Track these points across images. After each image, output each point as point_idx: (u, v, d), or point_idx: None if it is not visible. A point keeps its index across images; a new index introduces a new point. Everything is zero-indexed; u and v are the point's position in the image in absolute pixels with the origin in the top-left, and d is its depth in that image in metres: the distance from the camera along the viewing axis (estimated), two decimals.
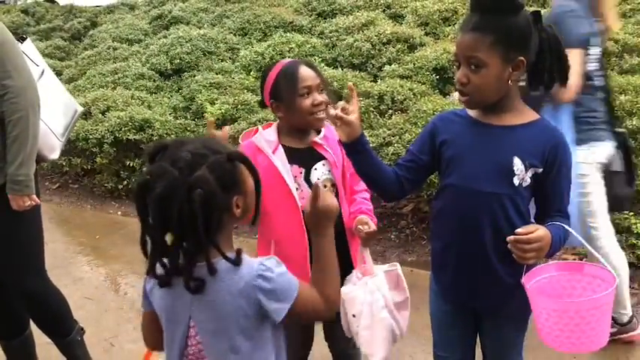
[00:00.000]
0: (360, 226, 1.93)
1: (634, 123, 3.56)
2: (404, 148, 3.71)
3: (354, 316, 1.90)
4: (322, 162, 2.00)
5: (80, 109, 2.70)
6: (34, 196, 2.23)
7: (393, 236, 4.07)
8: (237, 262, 1.26)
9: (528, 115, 1.60)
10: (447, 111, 1.88)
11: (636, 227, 3.32)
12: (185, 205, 1.17)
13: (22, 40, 2.42)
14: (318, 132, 2.04)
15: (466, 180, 1.59)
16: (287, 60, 2.03)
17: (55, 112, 2.46)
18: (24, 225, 2.30)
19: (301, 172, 1.98)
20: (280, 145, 1.97)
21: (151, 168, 1.25)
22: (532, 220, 1.63)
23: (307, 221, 1.40)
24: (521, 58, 1.51)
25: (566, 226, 1.55)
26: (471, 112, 1.65)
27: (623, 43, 4.99)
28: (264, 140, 1.97)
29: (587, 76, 2.47)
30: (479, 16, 1.51)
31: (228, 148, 1.32)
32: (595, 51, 2.52)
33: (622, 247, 3.31)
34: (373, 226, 1.92)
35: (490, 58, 1.49)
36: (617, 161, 2.62)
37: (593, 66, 2.52)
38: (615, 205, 2.73)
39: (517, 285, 1.54)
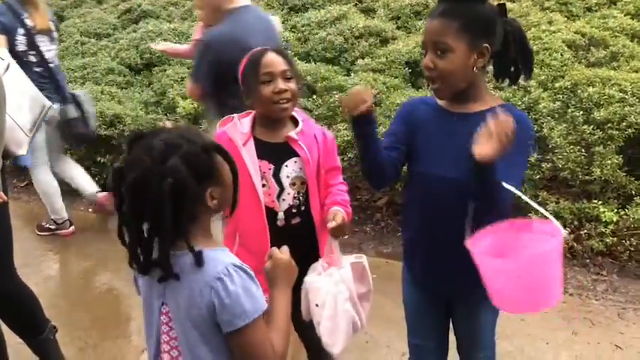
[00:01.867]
0: (329, 224, 1.90)
1: (601, 114, 3.63)
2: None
3: (317, 305, 1.89)
4: (294, 159, 1.95)
5: (49, 103, 2.65)
6: (1, 194, 2.18)
7: (368, 229, 4.09)
8: (198, 261, 1.23)
9: (493, 102, 1.62)
10: (415, 98, 1.89)
11: (604, 216, 3.39)
12: (155, 194, 1.17)
13: None
14: (296, 124, 2.00)
15: (432, 167, 1.62)
16: (260, 47, 1.99)
17: (21, 107, 2.42)
18: None
19: (270, 169, 1.94)
20: (252, 138, 1.93)
21: (126, 156, 1.25)
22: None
23: (266, 275, 1.40)
24: (486, 45, 1.54)
25: (505, 184, 1.49)
26: (439, 101, 1.67)
27: (590, 37, 5.08)
28: (238, 131, 1.93)
29: (20, 56, 3.46)
30: (446, 3, 1.55)
31: (205, 138, 1.29)
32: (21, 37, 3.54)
33: (590, 236, 3.41)
34: (338, 221, 1.87)
35: (456, 43, 1.51)
36: (71, 111, 3.84)
37: (22, 47, 3.55)
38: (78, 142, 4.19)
39: None
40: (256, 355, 1.24)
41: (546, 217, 1.47)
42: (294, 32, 6.32)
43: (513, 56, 1.59)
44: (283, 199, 1.96)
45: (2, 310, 2.42)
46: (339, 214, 1.89)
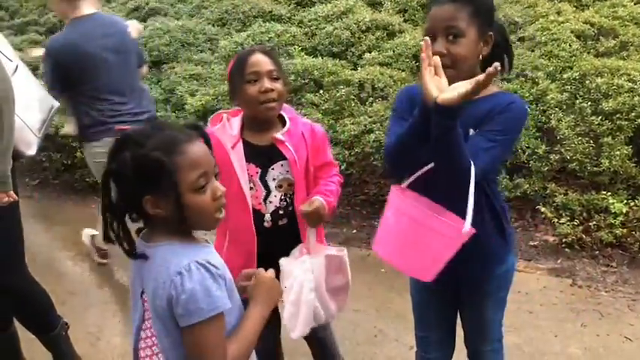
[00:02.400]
0: (301, 207, 1.91)
1: (610, 105, 3.60)
2: (385, 135, 3.73)
3: (285, 287, 1.90)
4: (281, 162, 1.95)
5: (57, 104, 2.67)
6: (12, 193, 2.21)
7: (376, 223, 4.07)
8: (129, 252, 1.32)
9: (487, 89, 1.60)
10: (411, 85, 1.87)
11: (613, 207, 3.37)
12: (103, 175, 1.28)
13: None
14: (283, 124, 1.98)
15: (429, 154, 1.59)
16: (248, 48, 2.01)
17: (30, 108, 2.44)
18: (2, 222, 2.27)
19: (257, 172, 1.94)
20: (241, 141, 1.92)
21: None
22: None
23: (248, 292, 1.43)
24: (491, 33, 1.56)
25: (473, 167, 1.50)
26: None
27: (599, 26, 5.03)
28: (227, 133, 1.92)
29: None
30: None
31: (171, 153, 1.25)
32: None
33: (600, 227, 3.39)
34: (312, 207, 1.88)
35: (469, 28, 1.51)
36: None
37: None
38: None
39: (494, 257, 1.56)
40: (204, 356, 1.26)
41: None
42: (300, 27, 6.30)
43: (499, 52, 1.61)
44: (270, 202, 1.97)
45: (15, 307, 2.46)
46: (315, 201, 1.90)
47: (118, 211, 1.30)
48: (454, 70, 1.52)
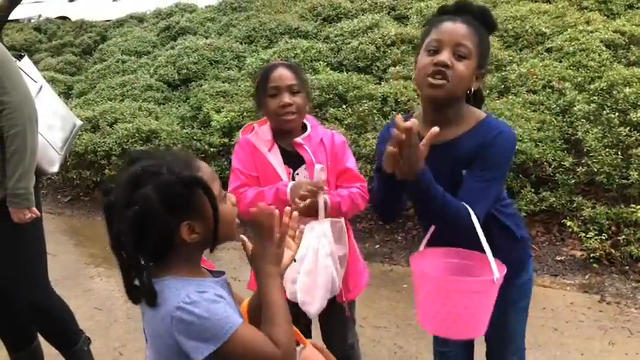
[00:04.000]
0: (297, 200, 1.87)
1: (638, 115, 3.51)
2: None
3: (294, 260, 1.88)
4: (304, 166, 2.01)
5: (79, 122, 2.74)
6: (34, 209, 2.28)
7: (399, 237, 4.05)
8: (150, 301, 1.18)
9: (472, 119, 1.60)
10: (389, 124, 1.87)
11: None
12: (120, 221, 1.15)
13: (19, 57, 2.47)
14: (305, 130, 2.04)
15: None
16: (273, 62, 2.08)
17: (53, 127, 2.51)
18: (25, 237, 2.34)
19: (290, 172, 2.01)
20: (275, 144, 2.00)
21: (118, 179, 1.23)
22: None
23: (251, 259, 1.32)
24: (483, 71, 1.58)
25: (470, 209, 1.48)
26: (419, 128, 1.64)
27: (630, 35, 4.92)
28: (260, 139, 2.01)
29: None
30: (467, 15, 1.55)
31: (192, 170, 1.21)
32: None
33: (629, 241, 3.29)
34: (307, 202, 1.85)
35: (472, 54, 1.52)
36: None
37: None
38: None
39: (512, 265, 1.55)
40: (254, 355, 1.19)
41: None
42: (327, 43, 6.36)
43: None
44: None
45: (38, 322, 2.52)
46: (321, 197, 1.88)
47: (142, 257, 1.20)
48: (450, 85, 1.51)
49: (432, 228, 1.61)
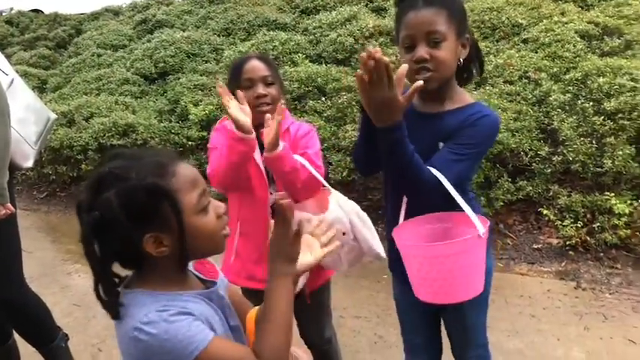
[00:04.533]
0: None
1: (612, 104, 3.56)
2: None
3: (344, 234, 1.86)
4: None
5: (53, 116, 2.69)
6: (9, 205, 2.23)
7: (380, 229, 4.05)
8: (113, 314, 1.09)
9: (462, 100, 1.60)
10: None
11: (617, 208, 3.32)
12: (82, 226, 1.06)
13: None
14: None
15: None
16: (245, 55, 2.05)
17: (26, 121, 2.46)
18: (0, 235, 2.30)
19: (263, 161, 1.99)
20: (254, 132, 1.94)
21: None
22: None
23: (270, 252, 1.20)
24: (467, 36, 1.55)
25: (435, 171, 1.47)
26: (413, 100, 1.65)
27: (604, 26, 4.98)
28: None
29: None
30: None
31: (163, 176, 1.09)
32: None
33: (604, 228, 3.35)
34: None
35: (448, 32, 1.49)
36: None
37: None
38: None
39: None
40: None
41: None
42: (305, 35, 6.34)
43: (470, 56, 1.61)
44: (271, 193, 2.01)
45: (13, 320, 2.48)
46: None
47: (107, 265, 1.10)
48: (437, 73, 1.50)
49: (405, 199, 1.59)
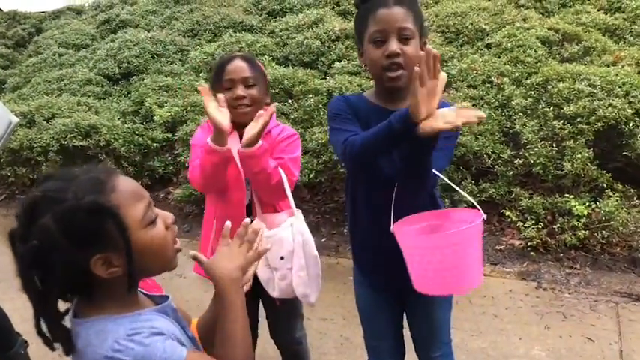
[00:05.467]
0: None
1: (571, 109, 3.66)
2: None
3: (282, 258, 1.91)
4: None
5: (15, 120, 2.63)
6: None
7: (345, 231, 4.09)
8: (67, 348, 1.03)
9: None
10: (346, 95, 1.90)
11: (576, 209, 3.41)
12: (19, 257, 0.99)
13: None
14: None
15: (390, 164, 1.57)
16: (230, 55, 2.05)
17: None
18: None
19: None
20: (235, 131, 1.97)
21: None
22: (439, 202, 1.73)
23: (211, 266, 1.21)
24: (425, 40, 1.61)
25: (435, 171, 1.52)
26: (371, 98, 1.67)
27: (563, 32, 5.12)
28: None
29: None
30: None
31: (101, 193, 1.02)
32: None
33: (563, 230, 3.43)
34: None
35: (414, 32, 1.55)
36: None
37: None
38: None
39: None
40: None
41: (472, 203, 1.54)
42: (272, 37, 6.33)
43: None
44: (248, 190, 2.02)
45: None
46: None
47: (50, 298, 1.02)
48: (406, 72, 1.54)
49: (393, 201, 1.59)
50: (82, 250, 0.99)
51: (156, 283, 1.28)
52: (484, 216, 1.44)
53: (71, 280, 1.02)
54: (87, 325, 1.04)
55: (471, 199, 1.54)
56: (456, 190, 1.68)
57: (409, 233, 1.55)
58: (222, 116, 1.78)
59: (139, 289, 1.17)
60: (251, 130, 1.80)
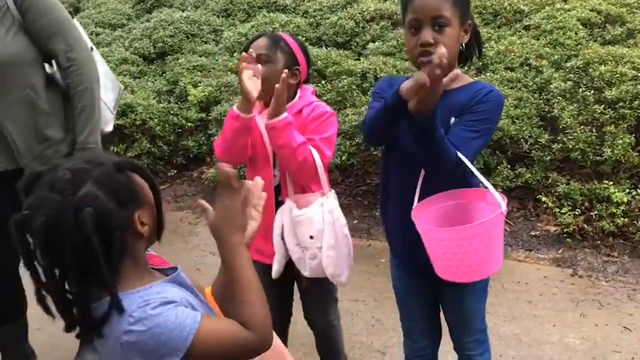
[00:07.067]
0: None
1: (613, 93, 3.56)
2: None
3: (311, 237, 1.91)
4: None
5: (122, 86, 2.72)
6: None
7: (377, 213, 4.08)
8: (118, 307, 1.03)
9: (464, 79, 1.66)
10: (392, 76, 1.90)
11: (615, 196, 3.33)
12: (76, 232, 0.98)
13: None
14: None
15: (410, 143, 1.57)
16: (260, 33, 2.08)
17: (106, 87, 2.46)
18: None
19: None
20: (265, 110, 1.96)
21: (28, 200, 1.04)
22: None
23: (212, 227, 1.18)
24: (470, 22, 1.60)
25: (459, 154, 1.51)
26: None
27: (606, 14, 4.96)
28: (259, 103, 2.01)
29: None
30: None
31: (114, 158, 1.10)
32: None
33: (601, 217, 3.36)
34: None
35: (453, 17, 1.54)
36: None
37: None
38: None
39: None
40: (237, 352, 1.09)
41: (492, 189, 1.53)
42: (305, 17, 6.28)
43: (469, 43, 1.66)
44: (275, 175, 2.03)
45: None
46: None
47: (104, 271, 1.02)
48: None
49: (420, 181, 1.61)
50: (126, 208, 1.06)
51: (162, 258, 1.30)
52: (504, 207, 1.45)
53: (121, 243, 1.05)
54: (103, 305, 1.05)
55: (489, 185, 1.51)
56: (488, 175, 1.67)
57: (430, 222, 1.57)
58: (252, 85, 1.81)
59: (150, 265, 1.21)
60: (272, 101, 1.83)
